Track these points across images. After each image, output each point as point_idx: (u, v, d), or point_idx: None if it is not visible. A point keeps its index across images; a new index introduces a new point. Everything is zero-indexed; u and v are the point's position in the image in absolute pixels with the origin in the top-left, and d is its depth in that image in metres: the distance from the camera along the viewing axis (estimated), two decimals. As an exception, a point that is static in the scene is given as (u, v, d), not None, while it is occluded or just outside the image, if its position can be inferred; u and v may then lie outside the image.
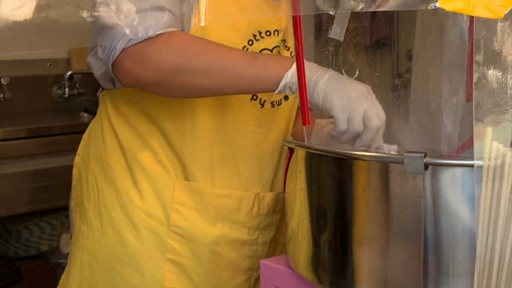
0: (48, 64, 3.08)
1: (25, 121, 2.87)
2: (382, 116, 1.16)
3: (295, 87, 1.18)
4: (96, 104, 1.49)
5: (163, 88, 1.26)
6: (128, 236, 1.36)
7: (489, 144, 0.90)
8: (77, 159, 1.49)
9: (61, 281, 1.48)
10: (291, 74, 1.19)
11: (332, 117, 1.16)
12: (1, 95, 2.91)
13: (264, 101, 1.38)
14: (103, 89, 1.44)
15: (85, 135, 1.49)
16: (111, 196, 1.38)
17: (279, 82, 1.20)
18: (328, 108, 1.15)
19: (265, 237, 1.44)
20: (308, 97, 1.17)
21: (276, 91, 1.22)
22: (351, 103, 1.14)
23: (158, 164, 1.36)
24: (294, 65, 1.18)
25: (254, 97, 1.37)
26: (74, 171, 1.49)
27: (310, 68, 1.18)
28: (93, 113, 1.52)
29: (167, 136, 1.36)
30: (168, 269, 1.35)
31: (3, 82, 2.89)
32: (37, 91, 3.06)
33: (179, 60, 1.22)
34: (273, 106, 1.40)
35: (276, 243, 1.49)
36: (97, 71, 1.38)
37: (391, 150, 1.17)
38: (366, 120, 1.15)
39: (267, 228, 1.44)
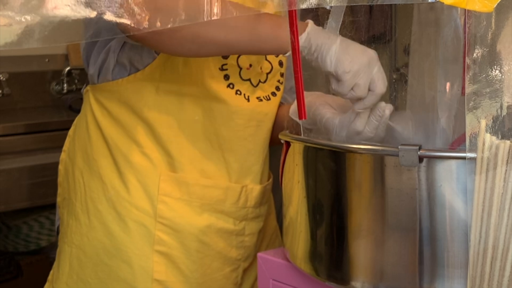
0: (47, 60, 3.09)
1: (23, 116, 2.87)
2: (386, 82, 1.17)
3: (306, 51, 1.17)
4: (80, 101, 1.50)
5: (176, 39, 1.21)
6: (115, 229, 1.37)
7: (483, 136, 0.91)
8: (63, 155, 1.50)
9: (50, 277, 1.50)
10: (304, 38, 1.17)
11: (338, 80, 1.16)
12: (0, 91, 2.92)
13: (248, 96, 1.39)
14: (86, 85, 1.45)
15: (70, 131, 1.50)
16: (98, 190, 1.39)
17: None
18: (340, 73, 1.15)
19: (253, 228, 1.45)
20: (319, 63, 1.16)
21: (287, 54, 1.20)
22: (361, 70, 1.14)
23: (143, 156, 1.37)
24: (308, 29, 1.17)
25: (238, 92, 1.37)
26: (60, 167, 1.50)
27: (321, 34, 1.17)
28: (77, 111, 1.53)
29: (153, 128, 1.36)
30: (156, 261, 1.37)
31: (1, 78, 2.89)
32: (36, 87, 3.06)
33: None
34: (260, 100, 1.40)
35: (263, 234, 1.51)
36: (92, 66, 1.38)
37: (387, 108, 1.17)
38: (372, 85, 1.15)
39: (254, 219, 1.45)
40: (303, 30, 1.18)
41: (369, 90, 1.15)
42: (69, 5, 0.85)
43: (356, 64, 1.14)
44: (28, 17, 0.83)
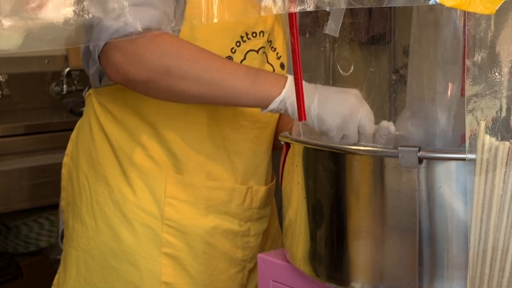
0: (46, 61, 3.09)
1: (23, 117, 2.87)
2: (373, 118, 1.20)
3: (283, 111, 1.23)
4: (81, 105, 1.49)
5: (151, 88, 1.26)
6: (123, 232, 1.37)
7: (482, 138, 0.91)
8: (66, 159, 1.49)
9: (55, 281, 1.49)
10: (279, 101, 1.22)
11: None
12: (0, 92, 2.92)
13: None
14: (89, 88, 1.45)
15: (73, 135, 1.49)
16: (103, 193, 1.39)
17: (267, 105, 1.23)
18: (324, 130, 1.19)
19: (257, 229, 1.46)
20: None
21: (263, 112, 1.25)
22: (346, 122, 1.18)
23: (149, 159, 1.37)
24: (284, 91, 1.21)
25: None
26: (63, 171, 1.49)
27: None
28: (78, 115, 1.52)
29: (159, 130, 1.36)
30: (164, 263, 1.36)
31: (1, 79, 2.89)
32: (36, 88, 3.06)
33: (170, 63, 1.22)
34: None
35: (267, 234, 1.51)
36: (91, 69, 1.39)
37: (390, 125, 1.19)
38: (360, 129, 1.19)
39: (259, 220, 1.46)
40: (282, 85, 1.21)
41: (359, 133, 1.19)
42: (71, 8, 0.85)
43: (339, 119, 1.18)
44: (29, 21, 0.84)
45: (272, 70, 1.42)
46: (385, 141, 1.19)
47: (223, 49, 1.32)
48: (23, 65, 2.98)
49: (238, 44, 1.35)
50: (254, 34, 1.37)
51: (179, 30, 1.29)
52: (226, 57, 1.34)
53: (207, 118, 1.37)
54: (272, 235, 1.54)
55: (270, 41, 1.40)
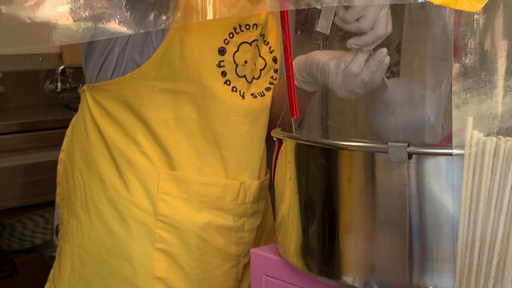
0: (40, 59, 3.09)
1: (17, 115, 2.87)
2: (390, 28, 1.14)
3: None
4: (77, 100, 1.49)
5: None
6: (116, 228, 1.38)
7: (470, 133, 0.92)
8: (61, 155, 1.49)
9: (50, 276, 1.50)
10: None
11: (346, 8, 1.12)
12: (-6, 90, 2.93)
13: (244, 93, 1.40)
14: (83, 84, 1.45)
15: (68, 131, 1.50)
16: (97, 189, 1.40)
17: None
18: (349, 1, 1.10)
19: (252, 224, 1.46)
20: None
21: None
22: (371, 4, 1.10)
23: (142, 155, 1.37)
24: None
25: (234, 89, 1.39)
26: (59, 167, 1.49)
27: None
28: (74, 110, 1.53)
29: (150, 127, 1.37)
30: (158, 259, 1.37)
31: (-5, 77, 2.91)
32: (30, 85, 3.07)
33: None
34: (255, 97, 1.41)
35: (262, 229, 1.52)
36: (91, 63, 1.39)
37: (387, 56, 1.18)
38: (375, 25, 1.12)
39: (253, 215, 1.46)
40: None
41: (371, 29, 1.12)
42: (68, 5, 0.86)
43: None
44: (30, 18, 0.85)
45: (264, 63, 1.43)
46: (376, 69, 1.15)
47: (216, 39, 1.33)
48: (17, 63, 2.99)
49: (231, 35, 1.36)
50: (247, 27, 1.37)
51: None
52: (219, 48, 1.35)
53: (198, 114, 1.37)
54: (267, 230, 1.55)
55: (263, 34, 1.41)
